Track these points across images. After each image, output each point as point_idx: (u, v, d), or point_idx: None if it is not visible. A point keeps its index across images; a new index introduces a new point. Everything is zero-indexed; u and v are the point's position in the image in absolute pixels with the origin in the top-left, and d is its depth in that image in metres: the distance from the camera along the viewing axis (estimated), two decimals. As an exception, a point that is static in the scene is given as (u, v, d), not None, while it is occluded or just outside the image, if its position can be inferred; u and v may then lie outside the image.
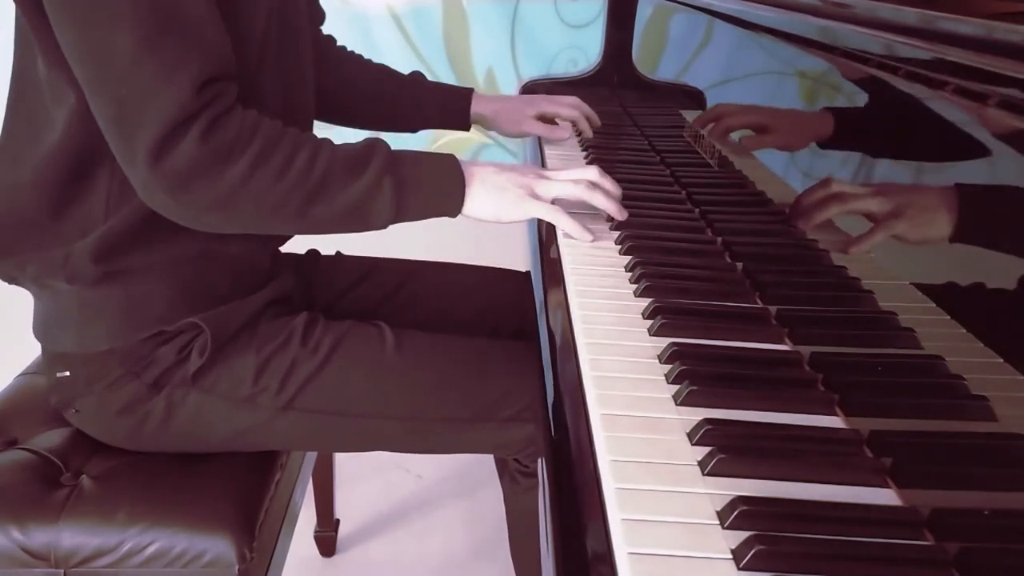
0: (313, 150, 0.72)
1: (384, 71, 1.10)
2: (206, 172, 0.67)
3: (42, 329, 0.79)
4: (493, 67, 2.94)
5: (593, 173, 0.81)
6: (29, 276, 0.76)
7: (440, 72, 2.82)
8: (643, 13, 1.41)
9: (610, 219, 0.84)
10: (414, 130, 1.12)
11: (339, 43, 1.09)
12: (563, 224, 0.79)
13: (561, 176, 0.81)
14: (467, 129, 1.12)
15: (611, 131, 1.23)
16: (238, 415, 0.78)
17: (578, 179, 0.81)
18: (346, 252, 1.03)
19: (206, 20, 0.66)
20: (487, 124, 1.12)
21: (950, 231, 0.51)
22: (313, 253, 1.01)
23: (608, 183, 0.82)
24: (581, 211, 0.84)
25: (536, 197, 0.79)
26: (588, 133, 1.13)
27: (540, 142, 1.19)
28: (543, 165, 1.10)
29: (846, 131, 0.67)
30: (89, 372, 0.76)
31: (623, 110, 1.36)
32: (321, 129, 0.85)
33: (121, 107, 0.65)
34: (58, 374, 0.78)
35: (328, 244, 1.02)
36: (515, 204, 0.78)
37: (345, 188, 0.71)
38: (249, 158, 0.68)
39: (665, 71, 1.32)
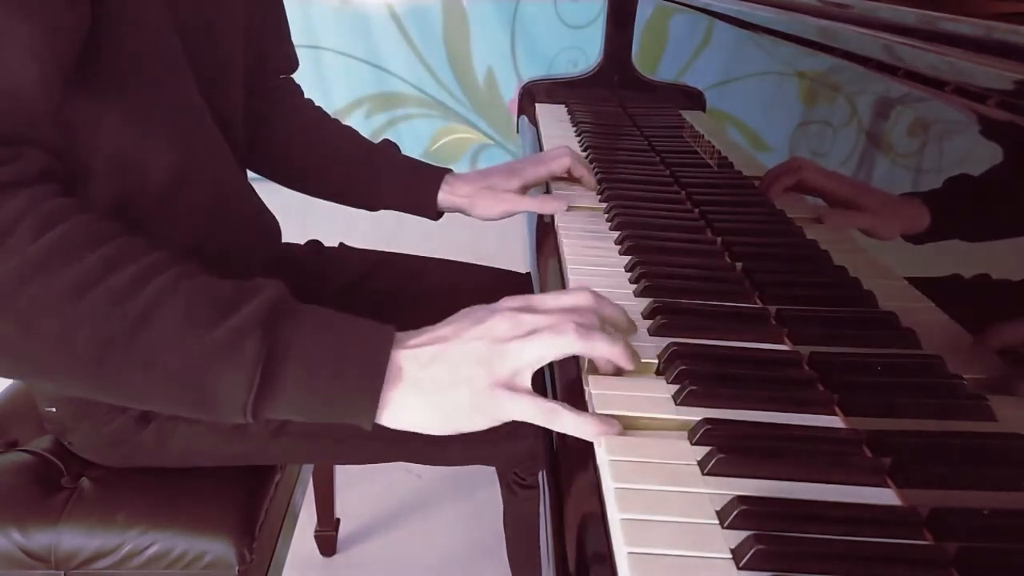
0: (154, 266, 0.47)
1: (348, 133, 0.95)
2: None
3: None
4: (493, 67, 2.94)
5: (585, 296, 0.54)
6: None
7: (440, 72, 2.81)
8: (643, 13, 1.41)
9: (611, 220, 0.84)
10: (371, 208, 0.94)
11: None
12: (569, 428, 0.49)
13: (539, 328, 0.50)
14: (436, 219, 0.93)
15: (611, 131, 1.23)
16: (229, 443, 0.77)
17: (565, 307, 0.53)
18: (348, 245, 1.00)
19: None
20: (465, 213, 0.92)
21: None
22: (315, 244, 0.98)
23: (609, 308, 0.55)
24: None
25: (511, 387, 0.50)
26: (590, 181, 0.93)
27: (539, 137, 1.19)
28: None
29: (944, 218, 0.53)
30: (76, 409, 0.75)
31: (623, 110, 1.36)
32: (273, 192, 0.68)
33: None
34: (46, 408, 0.77)
35: (331, 237, 1.02)
36: (478, 410, 0.50)
37: (183, 335, 0.46)
38: (31, 253, 0.44)
39: (665, 71, 1.32)
